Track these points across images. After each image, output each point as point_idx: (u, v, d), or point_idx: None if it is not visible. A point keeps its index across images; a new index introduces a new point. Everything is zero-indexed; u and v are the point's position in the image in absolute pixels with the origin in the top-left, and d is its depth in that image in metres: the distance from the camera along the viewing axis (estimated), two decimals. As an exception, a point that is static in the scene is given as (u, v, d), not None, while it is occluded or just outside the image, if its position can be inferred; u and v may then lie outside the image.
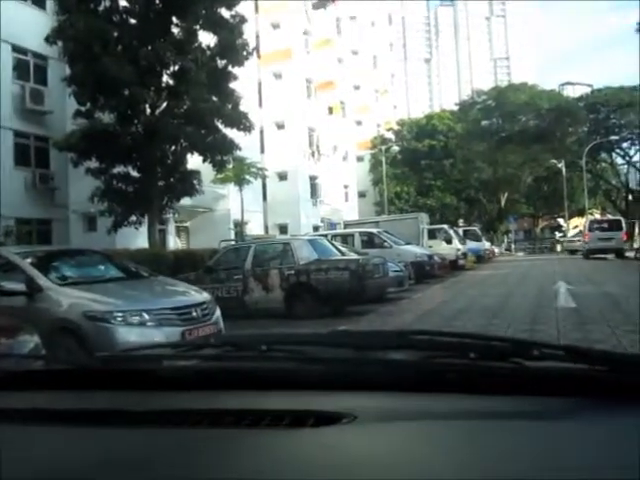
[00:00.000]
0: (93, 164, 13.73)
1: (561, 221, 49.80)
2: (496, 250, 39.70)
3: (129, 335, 5.34)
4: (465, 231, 30.40)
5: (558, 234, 54.02)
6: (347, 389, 0.91)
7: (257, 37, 28.42)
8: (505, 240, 56.29)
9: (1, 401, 0.99)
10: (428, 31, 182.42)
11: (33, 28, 18.57)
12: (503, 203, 52.35)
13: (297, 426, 0.79)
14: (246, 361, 1.08)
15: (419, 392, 0.89)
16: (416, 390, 0.89)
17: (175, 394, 0.96)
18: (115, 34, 12.19)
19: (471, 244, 26.86)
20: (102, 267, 7.05)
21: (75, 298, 5.64)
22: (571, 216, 51.18)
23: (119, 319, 5.36)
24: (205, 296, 6.43)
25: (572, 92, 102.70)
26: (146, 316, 5.49)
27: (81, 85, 12.70)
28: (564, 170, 45.88)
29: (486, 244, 32.77)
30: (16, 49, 18.69)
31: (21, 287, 5.70)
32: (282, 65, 30.62)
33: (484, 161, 47.25)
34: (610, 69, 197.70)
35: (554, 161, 46.72)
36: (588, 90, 70.15)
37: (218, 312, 6.39)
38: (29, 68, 19.24)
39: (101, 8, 12.86)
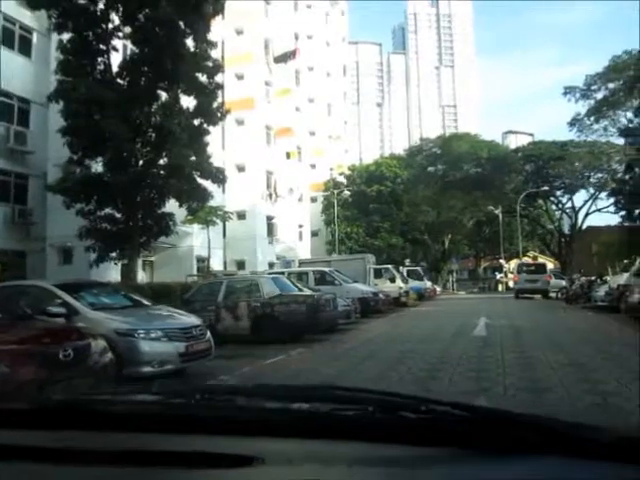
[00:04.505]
0: (79, 206, 15.42)
1: (502, 262, 53.18)
2: (438, 289, 42.41)
3: (148, 346, 7.28)
4: (409, 271, 32.95)
5: (498, 274, 57.16)
6: (261, 435, 1.03)
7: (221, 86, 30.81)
8: (450, 279, 59.55)
9: None
10: (381, 76, 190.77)
11: (18, 74, 20.40)
12: (447, 244, 55.83)
13: (212, 467, 0.92)
14: (181, 408, 1.19)
15: (321, 439, 1.00)
16: (319, 437, 1.00)
17: (111, 434, 1.07)
18: (110, 96, 14.14)
19: (413, 283, 29.18)
20: (115, 296, 8.96)
21: (106, 319, 7.53)
22: (511, 257, 54.46)
23: (142, 335, 7.30)
24: (199, 320, 8.44)
25: (514, 140, 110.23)
26: (160, 333, 7.46)
27: (75, 136, 14.55)
28: (500, 215, 49.84)
29: (428, 283, 35.21)
30: (2, 93, 20.28)
31: (63, 311, 7.55)
32: (245, 113, 32.98)
33: (429, 205, 50.53)
34: (552, 118, 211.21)
35: (492, 207, 50.70)
36: (529, 139, 75.81)
37: (209, 333, 8.41)
38: (14, 111, 20.84)
39: (96, 72, 14.91)
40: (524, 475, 0.88)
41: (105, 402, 1.31)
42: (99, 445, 1.02)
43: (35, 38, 21.51)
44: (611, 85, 35.68)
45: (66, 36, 14.75)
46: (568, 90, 38.77)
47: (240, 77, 33.44)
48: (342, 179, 48.67)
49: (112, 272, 19.48)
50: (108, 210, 15.27)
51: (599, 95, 36.85)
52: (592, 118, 38.28)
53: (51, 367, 4.77)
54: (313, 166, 46.07)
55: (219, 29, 27.46)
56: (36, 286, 8.47)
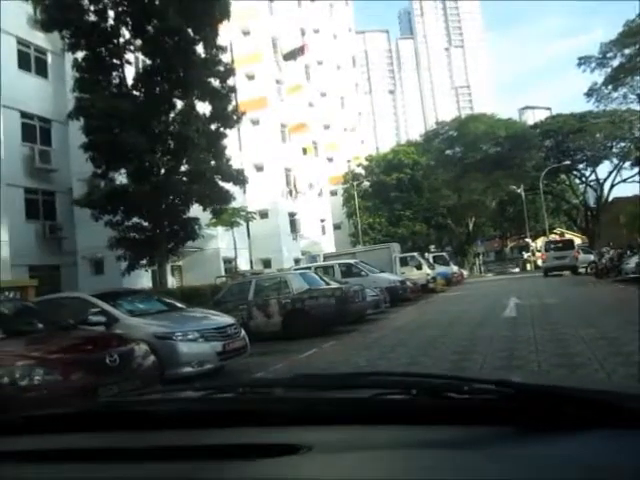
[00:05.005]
0: (107, 217, 15.85)
1: (529, 240, 52.56)
2: (465, 273, 42.16)
3: (186, 347, 7.55)
4: (435, 257, 32.85)
5: (525, 253, 56.56)
6: (306, 425, 1.03)
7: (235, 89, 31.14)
8: (477, 262, 59.10)
9: (13, 444, 1.12)
10: (391, 63, 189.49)
11: (36, 94, 20.95)
12: (471, 227, 55.42)
13: (260, 457, 0.91)
14: (225, 402, 1.22)
15: (367, 425, 1.00)
16: (364, 424, 1.00)
17: (159, 433, 1.09)
18: (127, 109, 14.47)
19: (440, 268, 29.08)
20: (150, 302, 9.26)
21: (144, 324, 7.82)
22: (537, 235, 53.77)
23: (180, 337, 7.57)
24: (233, 319, 8.69)
25: (532, 116, 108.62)
26: (197, 334, 7.72)
27: (98, 151, 14.94)
28: (523, 194, 49.24)
29: (454, 268, 34.99)
30: (24, 115, 20.85)
31: (103, 319, 7.86)
32: (258, 112, 33.22)
33: (450, 189, 50.20)
34: (568, 90, 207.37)
35: (514, 186, 50.13)
36: (547, 113, 74.63)
37: (243, 331, 8.65)
38: (36, 131, 21.41)
39: (112, 86, 15.26)
40: (575, 450, 0.85)
41: (151, 402, 1.34)
42: (149, 443, 1.04)
43: (50, 59, 22.00)
44: (627, 51, 34.89)
45: (80, 54, 15.10)
46: (582, 60, 38.08)
47: (251, 77, 33.69)
48: (360, 170, 48.70)
49: (143, 279, 19.94)
50: (135, 219, 15.67)
51: (615, 62, 36.10)
52: (610, 86, 37.50)
53: (100, 373, 5.03)
54: (330, 159, 46.19)
55: (226, 32, 27.78)
56: (75, 297, 8.81)
